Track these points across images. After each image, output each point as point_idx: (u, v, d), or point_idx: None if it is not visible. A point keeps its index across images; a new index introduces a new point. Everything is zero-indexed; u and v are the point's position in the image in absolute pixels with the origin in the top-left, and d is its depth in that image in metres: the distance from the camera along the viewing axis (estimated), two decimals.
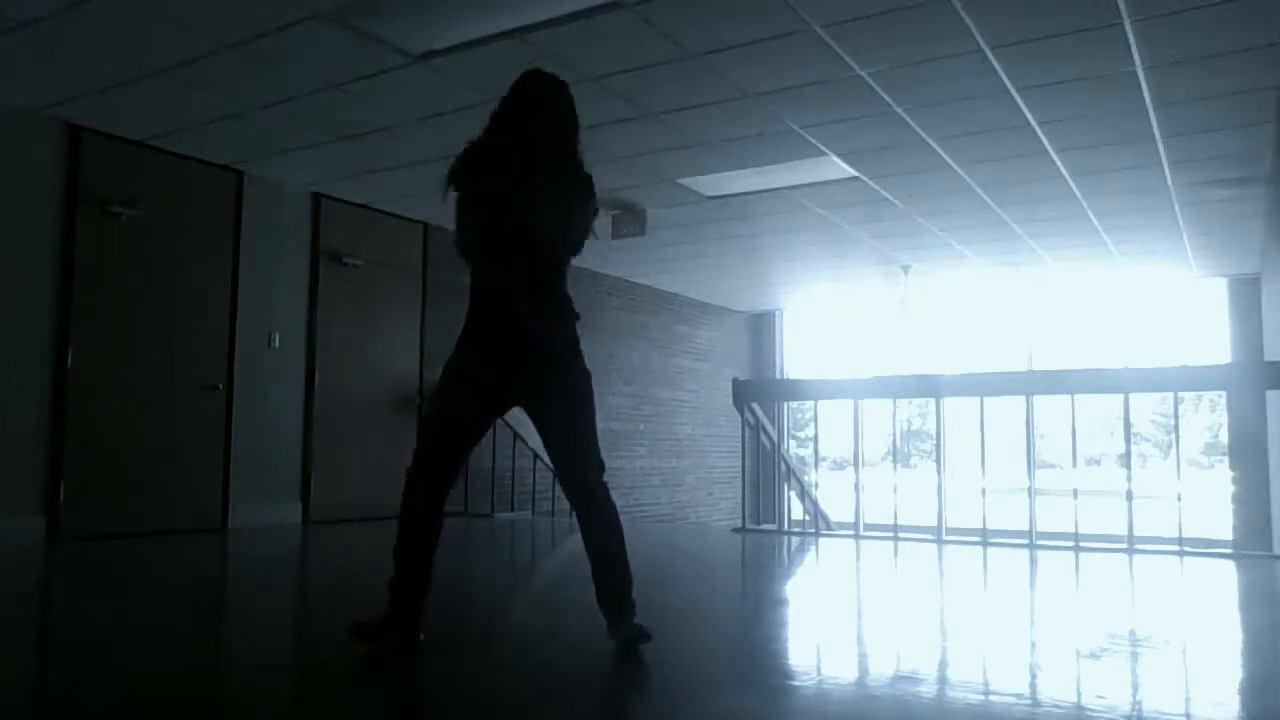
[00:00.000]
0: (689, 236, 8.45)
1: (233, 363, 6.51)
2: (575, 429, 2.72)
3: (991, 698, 2.41)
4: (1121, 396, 5.80)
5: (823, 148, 6.02)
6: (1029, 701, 2.36)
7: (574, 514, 2.73)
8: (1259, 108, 5.24)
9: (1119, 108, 5.25)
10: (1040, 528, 6.03)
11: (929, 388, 6.96)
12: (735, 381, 7.13)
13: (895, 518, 6.19)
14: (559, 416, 2.72)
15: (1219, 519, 9.48)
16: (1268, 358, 8.51)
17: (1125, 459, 5.96)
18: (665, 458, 10.24)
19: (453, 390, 2.73)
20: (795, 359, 12.70)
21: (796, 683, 2.58)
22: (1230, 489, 9.58)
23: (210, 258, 6.46)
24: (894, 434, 7.20)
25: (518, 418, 8.87)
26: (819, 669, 2.79)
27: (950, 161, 6.23)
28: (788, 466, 8.86)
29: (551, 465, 2.81)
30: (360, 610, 2.73)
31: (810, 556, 5.76)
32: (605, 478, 2.76)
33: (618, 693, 2.42)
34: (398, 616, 2.63)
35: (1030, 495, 6.06)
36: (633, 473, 9.69)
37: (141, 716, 2.19)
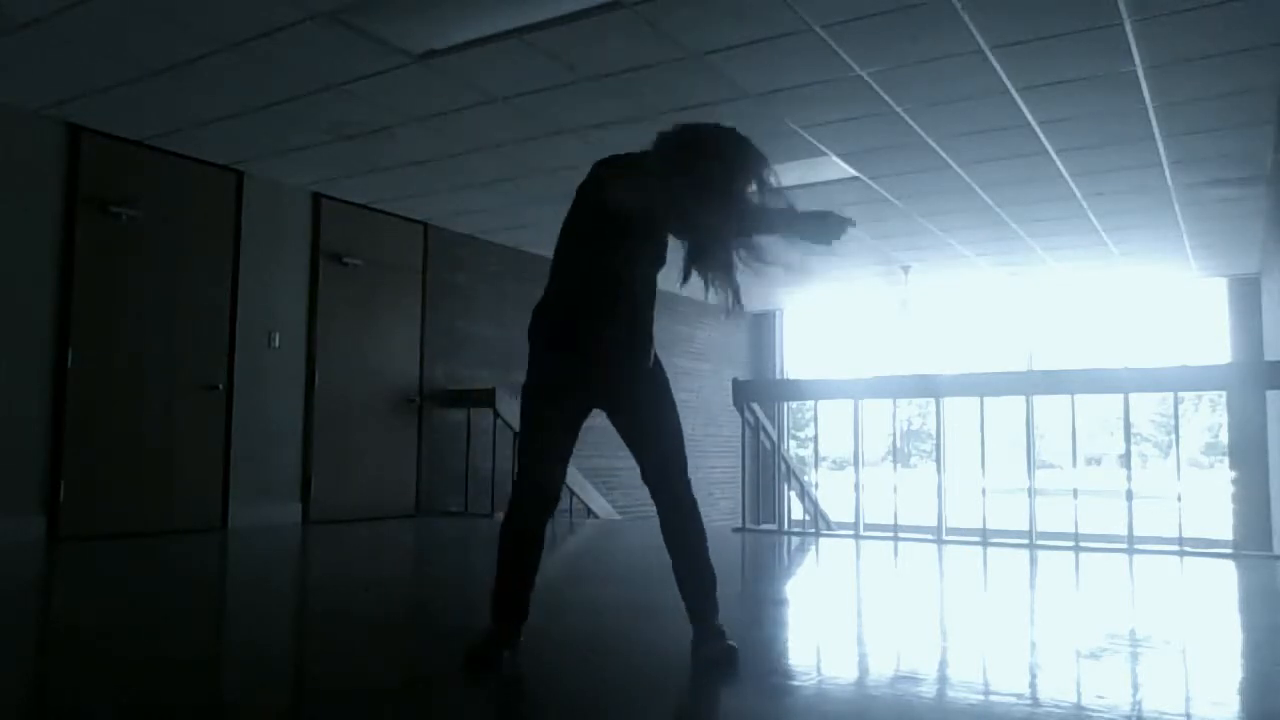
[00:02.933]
0: None
1: (233, 363, 6.51)
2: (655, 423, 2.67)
3: (991, 698, 2.41)
4: (1121, 396, 5.80)
5: (823, 148, 6.02)
6: (1029, 701, 2.36)
7: (659, 512, 2.65)
8: (1259, 108, 5.24)
9: (1119, 108, 5.25)
10: (1040, 528, 6.03)
11: (929, 388, 6.96)
12: (735, 381, 7.13)
13: (895, 518, 6.19)
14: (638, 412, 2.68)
15: (1219, 519, 9.48)
16: (1268, 358, 8.50)
17: (1125, 459, 5.96)
18: None
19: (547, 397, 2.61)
20: (795, 359, 12.70)
21: (796, 683, 2.58)
22: (1230, 489, 9.58)
23: (210, 258, 6.46)
24: (894, 434, 7.20)
25: (516, 416, 8.84)
26: (819, 669, 2.79)
27: (950, 161, 6.23)
28: (788, 466, 8.86)
29: (637, 461, 2.70)
30: (360, 610, 2.72)
31: (810, 556, 5.76)
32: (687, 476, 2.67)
33: (617, 693, 2.42)
34: (505, 630, 2.55)
35: (1030, 495, 6.05)
36: (633, 472, 9.67)
37: (141, 716, 2.19)
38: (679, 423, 2.70)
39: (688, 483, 2.65)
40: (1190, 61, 4.65)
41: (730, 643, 2.55)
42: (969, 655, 2.98)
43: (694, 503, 2.65)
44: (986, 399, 6.18)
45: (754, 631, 3.36)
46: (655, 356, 2.77)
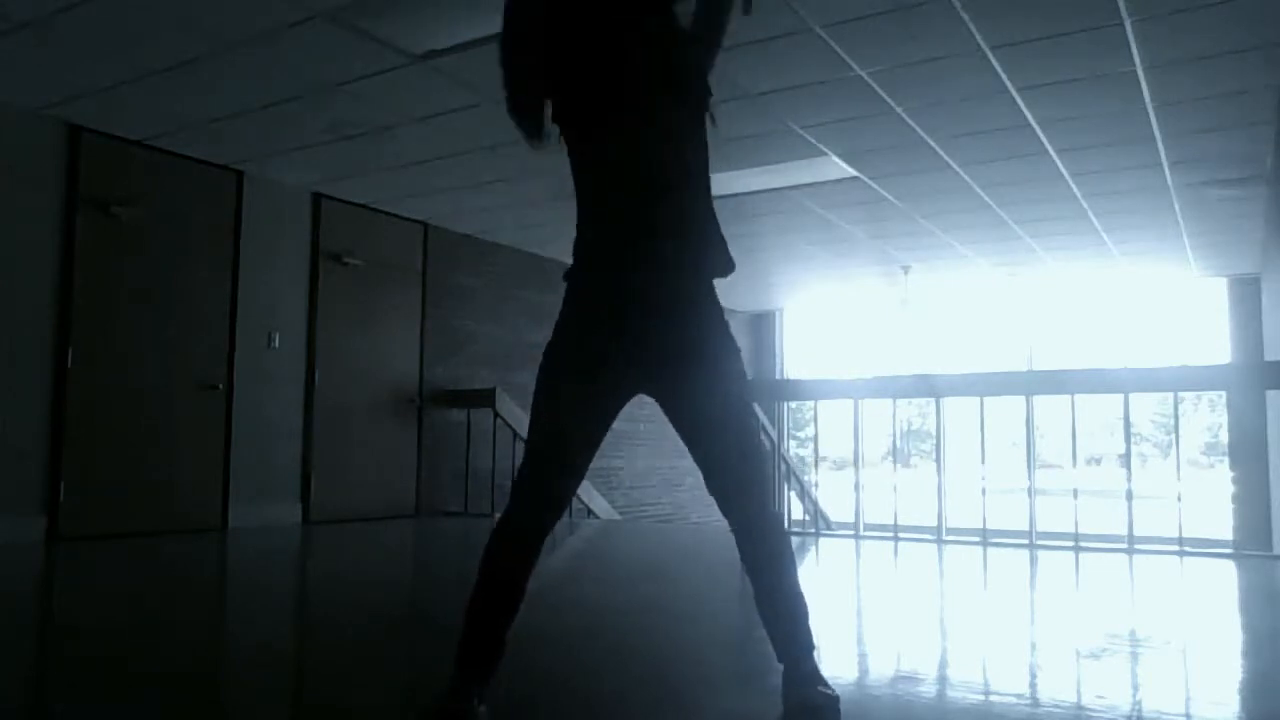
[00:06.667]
0: None
1: (233, 363, 6.50)
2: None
3: (991, 698, 2.40)
4: (1121, 396, 5.80)
5: (823, 148, 6.01)
6: (1029, 701, 2.36)
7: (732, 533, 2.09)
8: (1259, 108, 5.24)
9: (1119, 108, 5.25)
10: (1040, 528, 6.03)
11: (929, 388, 6.96)
12: None
13: (895, 518, 6.19)
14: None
15: (1219, 519, 9.48)
16: (1268, 358, 8.51)
17: (1125, 459, 5.96)
18: (665, 457, 10.24)
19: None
20: (795, 359, 12.70)
21: None
22: (1230, 489, 9.58)
23: (210, 258, 6.46)
24: (894, 434, 7.20)
25: (516, 416, 8.74)
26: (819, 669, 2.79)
27: (950, 161, 6.23)
28: (788, 466, 8.86)
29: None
30: (360, 611, 2.72)
31: (810, 556, 5.76)
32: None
33: (616, 693, 2.42)
34: (470, 680, 1.94)
35: (1030, 495, 6.06)
36: (633, 473, 9.69)
37: (140, 717, 2.19)
38: (749, 419, 2.05)
39: (761, 499, 2.06)
40: (1190, 61, 4.65)
41: (827, 690, 1.99)
42: (969, 655, 2.98)
43: (771, 524, 2.10)
44: (986, 399, 6.18)
45: (754, 631, 3.36)
46: (722, 317, 2.04)
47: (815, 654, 2.06)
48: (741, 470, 2.02)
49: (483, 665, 1.97)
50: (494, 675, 1.99)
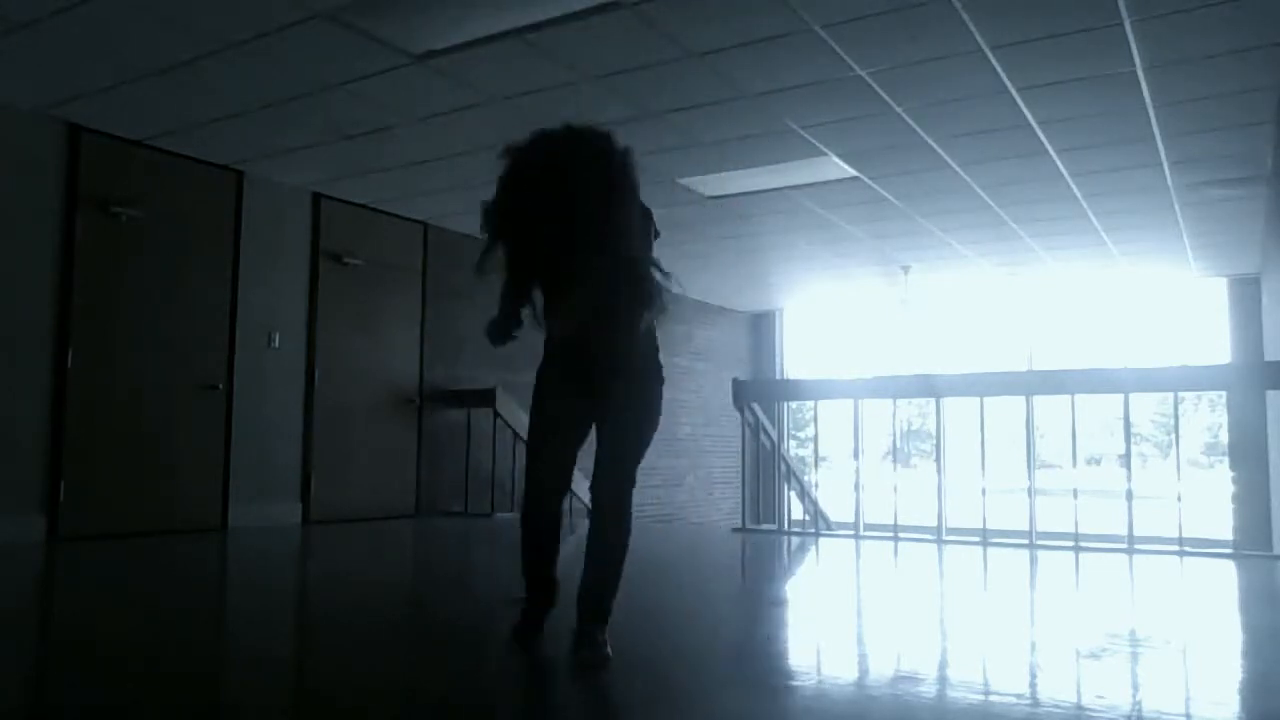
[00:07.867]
0: (689, 236, 8.45)
1: (233, 363, 6.50)
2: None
3: (991, 698, 2.41)
4: (1121, 396, 5.80)
5: (823, 148, 6.02)
6: (1029, 701, 2.36)
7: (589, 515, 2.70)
8: (1259, 108, 5.24)
9: (1119, 108, 5.25)
10: (1040, 528, 6.03)
11: (929, 388, 6.96)
12: (735, 381, 7.13)
13: (895, 518, 6.19)
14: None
15: (1219, 519, 9.48)
16: (1268, 358, 8.50)
17: (1125, 459, 5.96)
18: (665, 458, 10.25)
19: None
20: (795, 359, 12.70)
21: (796, 683, 2.58)
22: (1230, 489, 9.58)
23: (210, 258, 6.46)
24: (894, 434, 7.20)
25: (516, 416, 8.73)
26: (819, 669, 2.79)
27: (950, 161, 6.23)
28: (788, 466, 8.86)
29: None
30: (358, 612, 2.72)
31: (810, 556, 5.76)
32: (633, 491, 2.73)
33: (617, 693, 2.42)
34: (536, 604, 2.73)
35: (1030, 495, 6.06)
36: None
37: (140, 717, 2.19)
38: (640, 437, 2.73)
39: (614, 489, 2.66)
40: (1190, 61, 4.64)
41: (603, 650, 2.54)
42: (969, 655, 2.98)
43: (616, 513, 2.66)
44: (986, 399, 6.18)
45: (754, 631, 3.36)
46: (648, 370, 2.82)
47: (604, 628, 2.58)
48: (610, 467, 2.67)
49: (543, 594, 2.74)
50: (555, 600, 2.73)
